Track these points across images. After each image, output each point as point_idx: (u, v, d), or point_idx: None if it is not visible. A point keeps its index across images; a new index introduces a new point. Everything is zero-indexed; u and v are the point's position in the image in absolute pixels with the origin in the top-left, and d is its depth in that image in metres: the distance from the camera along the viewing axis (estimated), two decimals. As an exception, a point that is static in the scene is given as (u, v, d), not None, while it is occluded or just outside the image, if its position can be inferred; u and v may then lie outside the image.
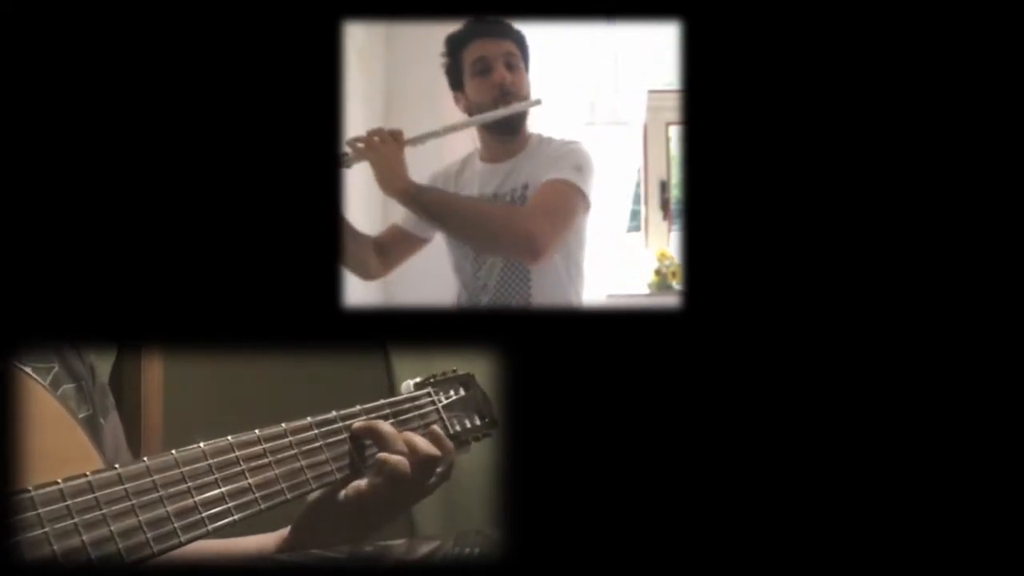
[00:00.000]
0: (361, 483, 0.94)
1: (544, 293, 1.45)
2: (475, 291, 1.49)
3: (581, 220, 1.44)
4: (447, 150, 1.65)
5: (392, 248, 1.55)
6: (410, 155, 1.38)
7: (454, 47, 1.48)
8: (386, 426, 0.96)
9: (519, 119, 1.48)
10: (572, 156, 1.43)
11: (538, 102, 1.47)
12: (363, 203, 1.90)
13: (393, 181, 1.33)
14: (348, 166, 1.32)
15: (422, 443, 0.96)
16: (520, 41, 1.47)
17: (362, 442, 0.96)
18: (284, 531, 0.98)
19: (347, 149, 1.32)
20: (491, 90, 1.45)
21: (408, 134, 1.37)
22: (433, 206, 1.38)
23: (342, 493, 0.95)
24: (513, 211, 1.43)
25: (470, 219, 1.41)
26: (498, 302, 1.45)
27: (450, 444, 0.99)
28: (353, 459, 0.95)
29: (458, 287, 1.53)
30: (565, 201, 1.41)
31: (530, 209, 1.42)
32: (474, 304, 1.48)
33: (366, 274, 1.51)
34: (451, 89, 1.50)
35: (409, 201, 1.36)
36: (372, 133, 1.34)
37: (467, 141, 1.55)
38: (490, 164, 1.50)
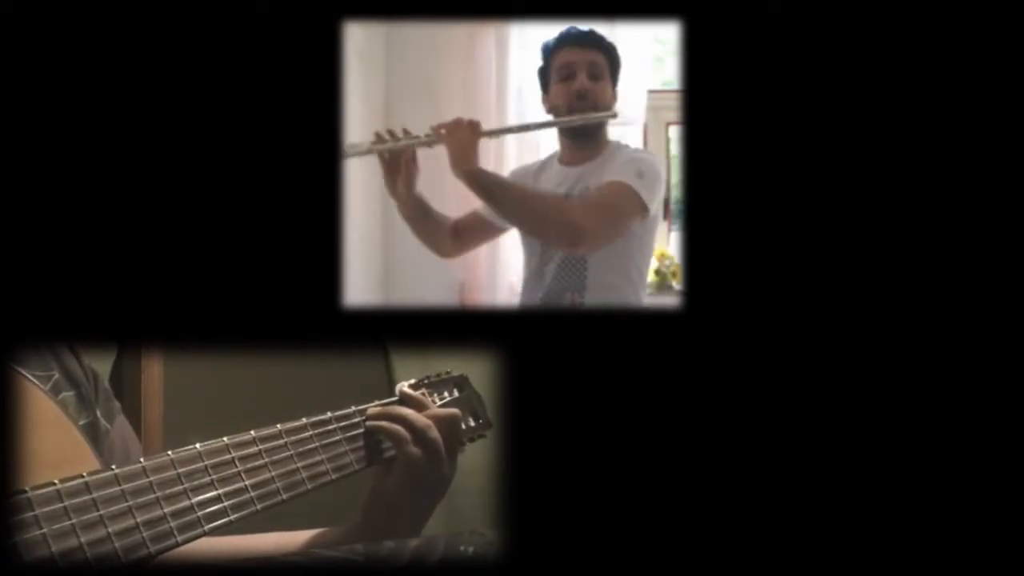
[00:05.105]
0: (401, 462, 0.97)
1: (597, 292, 1.48)
2: (535, 286, 1.53)
3: (640, 225, 1.48)
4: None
5: (468, 232, 1.62)
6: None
7: (546, 52, 1.54)
8: (401, 408, 1.00)
9: (595, 126, 1.53)
10: (637, 163, 1.48)
11: (613, 115, 1.52)
12: (364, 202, 1.90)
13: (463, 161, 1.41)
14: (354, 155, 1.40)
15: (438, 410, 1.01)
16: (609, 52, 1.53)
17: (377, 432, 0.98)
18: (349, 524, 1.00)
19: (361, 140, 1.43)
20: (570, 97, 1.50)
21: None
22: (492, 187, 1.45)
23: (388, 479, 0.98)
24: (564, 202, 1.49)
25: (522, 202, 1.47)
26: (551, 296, 1.50)
27: (456, 411, 1.03)
28: (371, 449, 0.98)
29: (522, 282, 1.58)
30: (618, 200, 1.45)
31: (581, 202, 1.47)
32: (532, 299, 1.54)
33: (439, 252, 1.61)
34: (541, 91, 1.57)
35: (473, 180, 1.42)
36: (454, 121, 1.42)
37: (553, 143, 1.62)
38: (566, 167, 1.55)
